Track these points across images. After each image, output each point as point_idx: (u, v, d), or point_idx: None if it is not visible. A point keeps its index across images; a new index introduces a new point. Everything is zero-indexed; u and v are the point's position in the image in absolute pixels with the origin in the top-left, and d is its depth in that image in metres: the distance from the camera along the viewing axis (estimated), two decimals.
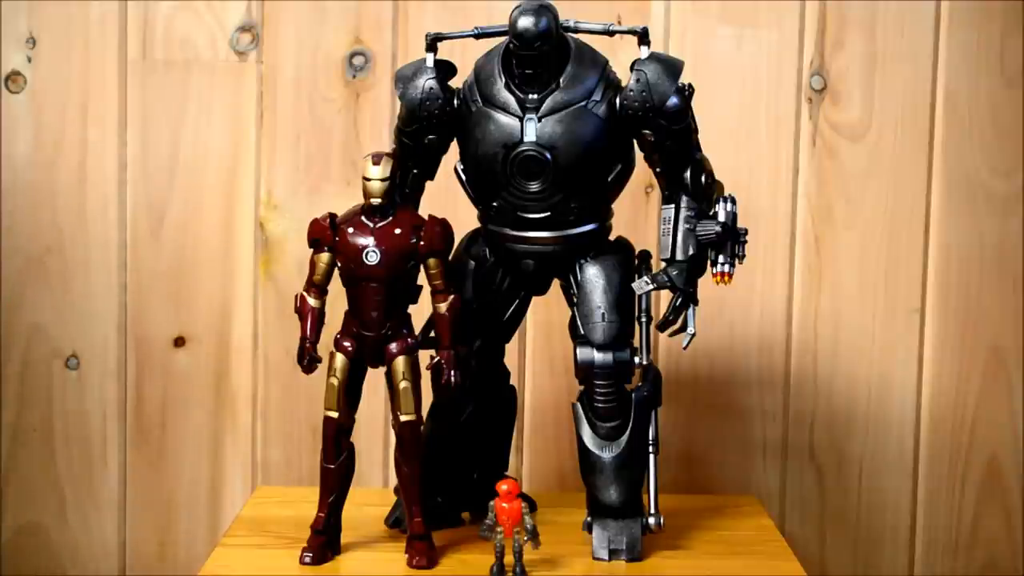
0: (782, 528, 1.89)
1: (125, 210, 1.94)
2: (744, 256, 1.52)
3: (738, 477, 1.96)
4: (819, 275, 1.95)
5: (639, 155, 1.55)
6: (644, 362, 1.54)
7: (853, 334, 1.95)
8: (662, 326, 1.55)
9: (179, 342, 1.96)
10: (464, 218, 1.57)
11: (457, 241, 1.54)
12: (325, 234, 1.49)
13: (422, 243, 1.48)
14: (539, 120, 1.48)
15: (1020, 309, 1.95)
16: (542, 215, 1.52)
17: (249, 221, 1.95)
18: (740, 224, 1.52)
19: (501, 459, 1.66)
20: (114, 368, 1.96)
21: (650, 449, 1.55)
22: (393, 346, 1.49)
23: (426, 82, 1.52)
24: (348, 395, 1.50)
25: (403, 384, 1.49)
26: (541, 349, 1.95)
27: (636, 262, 1.57)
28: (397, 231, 1.48)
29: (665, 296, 1.55)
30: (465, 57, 1.55)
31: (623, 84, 1.51)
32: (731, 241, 1.51)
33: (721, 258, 1.52)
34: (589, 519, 1.54)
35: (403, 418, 1.49)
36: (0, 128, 1.93)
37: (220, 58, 1.94)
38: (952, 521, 1.97)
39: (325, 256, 1.50)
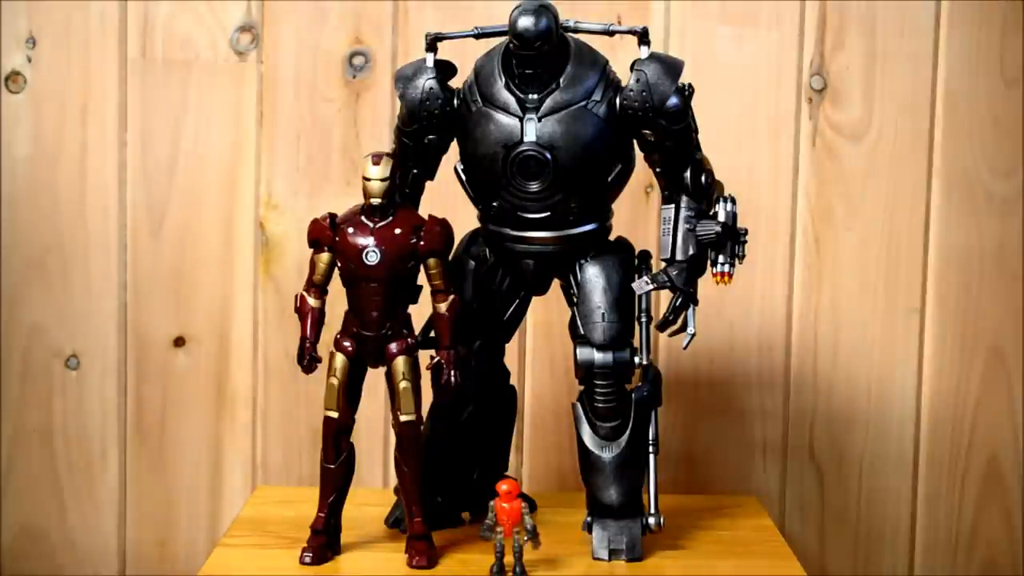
0: (782, 528, 1.89)
1: (125, 210, 1.94)
2: (744, 256, 1.52)
3: (738, 477, 1.96)
4: (819, 275, 1.95)
5: (639, 155, 1.55)
6: (644, 362, 1.54)
7: (853, 334, 1.95)
8: (662, 326, 1.55)
9: (179, 342, 1.96)
10: (464, 218, 1.57)
11: (457, 241, 1.54)
12: (325, 234, 1.49)
13: (422, 243, 1.48)
14: (539, 120, 1.48)
15: (1020, 309, 1.95)
16: (542, 215, 1.52)
17: (249, 221, 1.95)
18: (740, 224, 1.52)
19: (501, 459, 1.66)
20: (114, 368, 1.96)
21: (650, 449, 1.55)
22: (393, 346, 1.49)
23: (426, 82, 1.52)
24: (348, 395, 1.50)
25: (403, 384, 1.49)
26: (541, 349, 1.95)
27: (636, 262, 1.57)
28: (397, 231, 1.48)
29: (665, 296, 1.55)
30: (465, 57, 1.55)
31: (623, 84, 1.51)
32: (731, 241, 1.51)
33: (721, 258, 1.52)
34: (589, 519, 1.54)
35: (403, 418, 1.49)
36: (0, 128, 1.93)
37: (220, 58, 1.93)
38: (952, 521, 1.97)
39: (325, 256, 1.49)
